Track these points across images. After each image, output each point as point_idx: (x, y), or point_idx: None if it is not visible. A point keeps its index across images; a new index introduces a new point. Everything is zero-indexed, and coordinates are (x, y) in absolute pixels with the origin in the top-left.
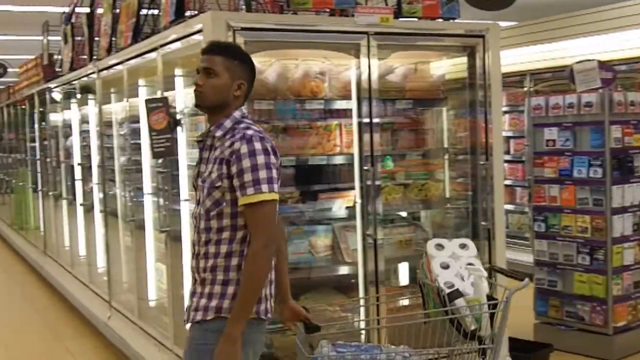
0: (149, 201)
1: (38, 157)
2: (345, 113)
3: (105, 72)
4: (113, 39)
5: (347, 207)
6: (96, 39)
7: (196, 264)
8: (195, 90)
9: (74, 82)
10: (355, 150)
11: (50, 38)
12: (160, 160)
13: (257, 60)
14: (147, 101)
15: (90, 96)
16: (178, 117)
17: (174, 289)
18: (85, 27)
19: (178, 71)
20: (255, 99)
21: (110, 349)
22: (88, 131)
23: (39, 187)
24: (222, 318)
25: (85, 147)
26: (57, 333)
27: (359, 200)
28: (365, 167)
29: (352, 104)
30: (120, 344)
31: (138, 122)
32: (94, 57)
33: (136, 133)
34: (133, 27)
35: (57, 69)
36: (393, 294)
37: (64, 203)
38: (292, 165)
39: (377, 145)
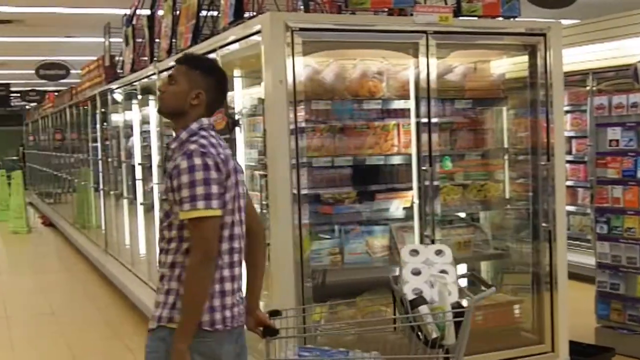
0: None
1: (100, 157)
2: (403, 113)
3: (165, 73)
4: (173, 40)
5: (405, 208)
6: (156, 40)
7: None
8: (158, 97)
9: (134, 83)
10: (413, 150)
11: (111, 40)
12: None
13: (315, 60)
14: None
15: (150, 97)
16: (236, 117)
17: None
18: (146, 28)
19: (236, 72)
20: (313, 99)
21: None
22: (148, 131)
23: (101, 187)
24: (162, 327)
25: (146, 147)
26: (118, 330)
27: (416, 201)
28: (424, 168)
29: (410, 104)
30: None
31: None
32: (155, 59)
33: None
34: (193, 29)
35: (119, 70)
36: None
37: (125, 202)
38: (349, 165)
39: (435, 145)
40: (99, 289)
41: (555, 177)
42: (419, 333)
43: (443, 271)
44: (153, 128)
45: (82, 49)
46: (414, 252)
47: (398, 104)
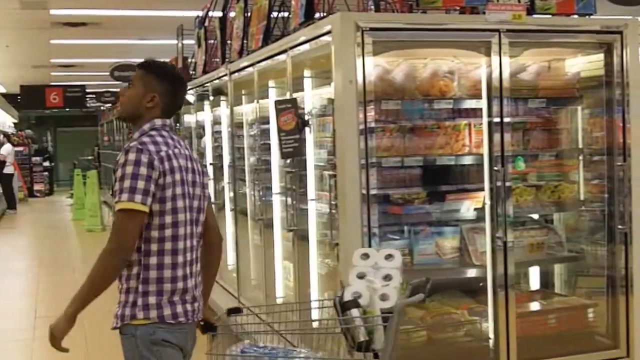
0: (277, 200)
1: None
2: (475, 112)
3: (236, 74)
4: (244, 41)
5: (476, 209)
6: (228, 42)
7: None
8: (119, 102)
9: (206, 85)
10: (484, 150)
11: (184, 42)
12: (288, 161)
13: (385, 60)
14: (277, 102)
15: (222, 98)
16: (306, 117)
17: (301, 287)
18: (218, 30)
19: (307, 72)
20: (383, 99)
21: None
22: (220, 132)
23: None
24: (127, 325)
25: (218, 148)
26: None
27: (488, 202)
28: (496, 168)
29: (482, 103)
30: (247, 339)
31: (267, 123)
32: (226, 60)
33: (266, 134)
34: (263, 30)
35: (191, 72)
36: None
37: None
38: (419, 165)
39: (507, 146)
40: None
41: (631, 178)
42: (350, 336)
43: (387, 276)
44: (224, 129)
45: (156, 51)
46: (365, 256)
47: (470, 104)
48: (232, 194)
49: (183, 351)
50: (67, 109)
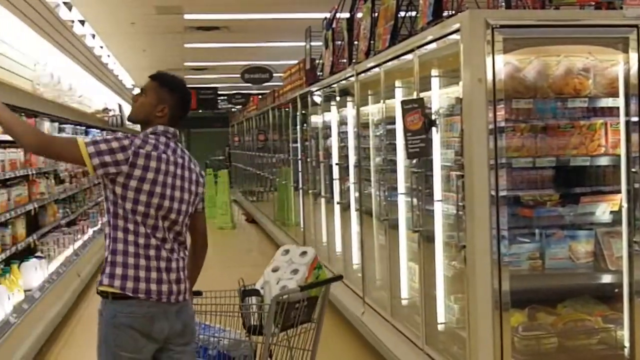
0: (402, 201)
1: (299, 157)
2: (612, 111)
3: (363, 74)
4: (371, 42)
5: (612, 212)
6: (355, 42)
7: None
8: (131, 105)
9: (333, 85)
10: (622, 151)
11: (312, 43)
12: (414, 161)
13: (515, 57)
14: (403, 102)
15: (348, 98)
16: (433, 117)
17: (426, 289)
18: (345, 31)
19: (434, 72)
20: (513, 97)
21: (363, 343)
22: (346, 132)
23: (300, 186)
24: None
25: (343, 148)
26: None
27: (625, 205)
28: (634, 169)
29: (619, 102)
30: (372, 339)
31: (393, 123)
32: (353, 61)
33: (391, 134)
34: (391, 30)
35: (318, 73)
36: None
37: (322, 201)
38: (551, 166)
39: None
40: None
41: None
42: (245, 320)
43: (295, 270)
44: (350, 129)
45: (284, 53)
46: (285, 252)
47: (606, 102)
48: (357, 194)
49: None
50: (200, 111)
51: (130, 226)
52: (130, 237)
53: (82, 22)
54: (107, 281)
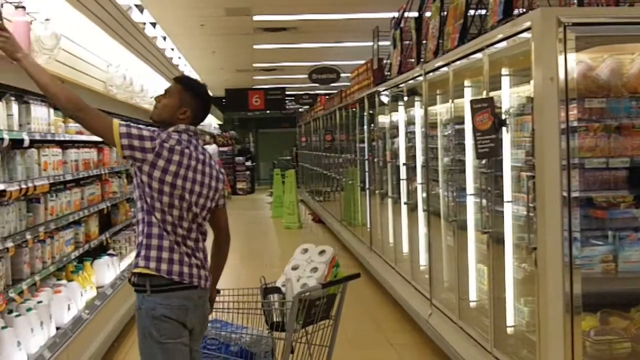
0: (471, 202)
1: (366, 157)
2: None
3: (431, 74)
4: (440, 41)
5: None
6: (423, 42)
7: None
8: (154, 106)
9: (401, 85)
10: None
11: (380, 43)
12: (483, 161)
13: (588, 56)
14: (473, 102)
15: (416, 98)
16: (503, 117)
17: (496, 291)
18: (413, 30)
19: (504, 71)
20: (586, 96)
21: (430, 345)
22: (413, 132)
23: (367, 186)
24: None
25: (411, 148)
26: (380, 325)
27: None
28: None
29: None
30: (439, 341)
31: (462, 122)
32: (421, 60)
33: (460, 134)
34: (460, 29)
35: (386, 73)
36: None
37: (389, 201)
38: (625, 167)
39: None
40: (363, 284)
41: None
42: (269, 316)
43: (314, 269)
44: (418, 129)
45: (351, 53)
46: (304, 250)
47: None
48: (424, 195)
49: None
50: (268, 111)
51: (158, 214)
52: (161, 224)
53: (153, 25)
54: (144, 263)
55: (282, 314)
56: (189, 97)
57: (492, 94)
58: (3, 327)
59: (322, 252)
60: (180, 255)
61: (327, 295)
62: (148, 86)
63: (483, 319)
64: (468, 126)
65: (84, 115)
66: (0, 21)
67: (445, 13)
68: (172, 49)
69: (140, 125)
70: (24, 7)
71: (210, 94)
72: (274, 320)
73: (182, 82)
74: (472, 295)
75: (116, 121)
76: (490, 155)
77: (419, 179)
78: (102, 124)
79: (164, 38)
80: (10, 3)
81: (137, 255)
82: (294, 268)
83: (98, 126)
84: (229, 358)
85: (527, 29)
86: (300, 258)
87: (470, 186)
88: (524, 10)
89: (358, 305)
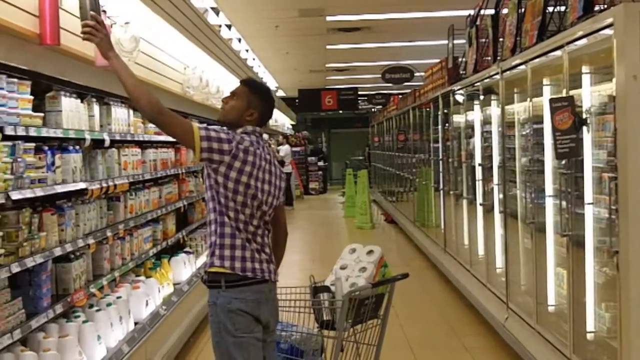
0: (550, 203)
1: (440, 157)
2: None
3: (508, 72)
4: (517, 38)
5: None
6: (500, 40)
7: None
8: (221, 107)
9: (477, 84)
10: None
11: (455, 42)
12: (563, 161)
13: None
14: (552, 100)
15: (493, 97)
16: (584, 116)
17: (575, 295)
18: (490, 28)
19: (585, 68)
20: None
21: (506, 349)
22: (489, 132)
23: (441, 186)
24: (208, 272)
25: (487, 148)
26: (454, 328)
27: None
28: None
29: None
30: (516, 345)
31: (541, 122)
32: (498, 58)
33: (539, 133)
34: (538, 26)
35: (461, 72)
36: None
37: (464, 202)
38: None
39: None
40: (437, 286)
41: None
42: (319, 315)
43: (363, 268)
44: (495, 129)
45: (426, 52)
46: (352, 250)
47: None
48: (501, 196)
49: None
50: (340, 111)
51: (231, 213)
52: (233, 223)
53: (228, 27)
54: (219, 263)
55: (332, 312)
56: (256, 99)
57: (572, 92)
58: (84, 322)
59: (370, 252)
60: (252, 252)
61: (375, 295)
62: (223, 87)
63: (562, 324)
64: (547, 125)
65: (165, 119)
66: (100, 17)
67: (523, 10)
68: (247, 51)
69: (215, 127)
70: (104, 11)
71: (284, 94)
72: (324, 318)
73: (250, 85)
74: (551, 299)
75: (195, 125)
76: (570, 155)
77: (495, 179)
78: (182, 128)
79: (239, 40)
80: None
81: (212, 255)
82: (343, 268)
83: (178, 130)
84: (279, 355)
85: (609, 26)
86: (349, 258)
87: (549, 187)
88: (605, 6)
89: (432, 308)
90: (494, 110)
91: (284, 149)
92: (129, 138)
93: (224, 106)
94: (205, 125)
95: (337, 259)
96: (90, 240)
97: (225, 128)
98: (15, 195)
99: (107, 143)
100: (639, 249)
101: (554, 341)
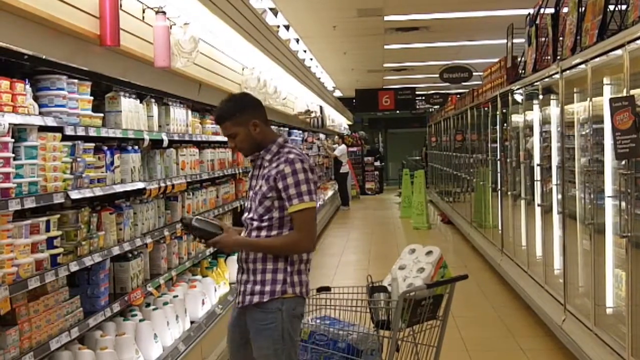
0: (610, 204)
1: (498, 157)
2: None
3: (568, 71)
4: (578, 37)
5: None
6: (560, 38)
7: (245, 256)
8: (233, 151)
9: (536, 83)
10: None
11: (514, 41)
12: (623, 162)
13: None
14: (612, 100)
15: (552, 96)
16: None
17: (635, 298)
18: (550, 27)
19: None
20: None
21: (563, 351)
22: (548, 132)
23: (499, 187)
24: (276, 299)
25: (546, 148)
26: (511, 330)
27: None
28: None
29: None
30: (573, 348)
31: (601, 122)
32: (558, 57)
33: (599, 133)
34: (599, 25)
35: (520, 71)
36: None
37: (522, 203)
38: None
39: None
40: (493, 287)
41: None
42: (376, 314)
43: (421, 269)
44: (554, 128)
45: (484, 51)
46: (412, 251)
47: None
48: (560, 196)
49: None
50: (397, 111)
51: (286, 231)
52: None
53: (286, 27)
54: (291, 290)
55: (388, 312)
56: (242, 116)
57: (632, 92)
58: (141, 320)
59: (429, 253)
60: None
61: (433, 296)
62: (281, 88)
63: (620, 327)
64: (607, 125)
65: (314, 234)
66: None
67: (584, 9)
68: (305, 51)
69: (307, 175)
70: (164, 12)
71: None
72: (380, 318)
73: (227, 118)
74: (609, 301)
75: (308, 203)
76: (630, 155)
77: (554, 180)
78: (311, 217)
79: (297, 40)
80: (152, 9)
81: (282, 282)
82: (401, 268)
83: (314, 221)
84: (336, 354)
85: None
86: (408, 258)
87: (609, 188)
88: None
89: (488, 309)
90: (554, 110)
91: (340, 149)
92: (187, 138)
93: (234, 149)
94: (307, 187)
95: (393, 259)
96: (148, 240)
97: (304, 165)
98: (75, 195)
99: (165, 143)
100: None
101: (612, 343)
